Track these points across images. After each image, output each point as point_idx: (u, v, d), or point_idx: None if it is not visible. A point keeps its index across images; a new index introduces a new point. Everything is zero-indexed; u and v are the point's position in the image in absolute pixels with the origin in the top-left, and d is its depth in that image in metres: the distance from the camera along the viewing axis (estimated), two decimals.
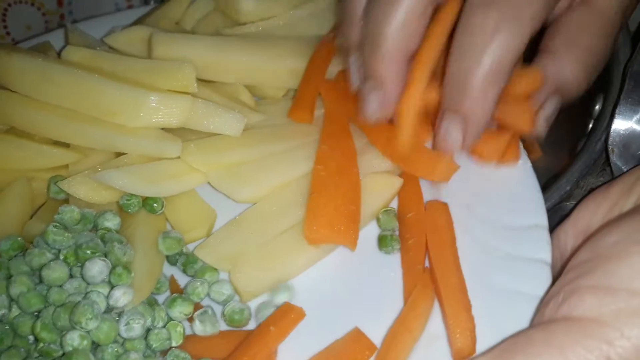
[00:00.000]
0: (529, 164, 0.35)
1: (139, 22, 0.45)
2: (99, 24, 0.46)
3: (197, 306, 0.33)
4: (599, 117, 0.41)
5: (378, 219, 0.36)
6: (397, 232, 0.36)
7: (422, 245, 0.34)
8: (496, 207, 0.35)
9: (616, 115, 0.36)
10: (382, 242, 0.35)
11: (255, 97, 0.41)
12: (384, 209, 0.36)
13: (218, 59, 0.40)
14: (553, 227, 0.33)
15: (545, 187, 0.39)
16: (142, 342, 0.31)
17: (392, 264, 0.34)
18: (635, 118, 0.36)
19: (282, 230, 0.35)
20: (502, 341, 0.27)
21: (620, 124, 0.36)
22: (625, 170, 0.36)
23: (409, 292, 0.33)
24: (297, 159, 0.37)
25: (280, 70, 0.41)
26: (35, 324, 0.31)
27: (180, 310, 0.32)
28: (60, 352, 0.30)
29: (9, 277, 0.32)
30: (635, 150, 0.36)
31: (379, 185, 0.37)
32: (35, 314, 0.31)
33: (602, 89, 0.42)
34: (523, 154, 0.36)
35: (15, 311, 0.31)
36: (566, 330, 0.24)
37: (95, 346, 0.31)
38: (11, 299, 0.32)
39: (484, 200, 0.35)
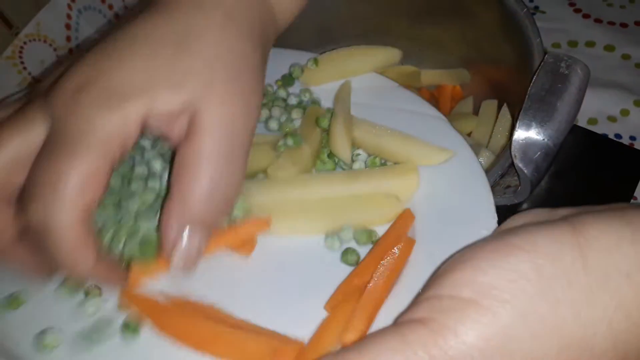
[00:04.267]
0: None
1: None
2: None
3: None
4: None
5: (355, 232, 0.40)
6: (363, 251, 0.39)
7: (371, 268, 0.37)
8: None
9: (517, 127, 0.45)
10: (344, 254, 0.39)
11: None
12: (368, 229, 0.40)
13: None
14: None
15: None
16: None
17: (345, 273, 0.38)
18: (531, 130, 0.44)
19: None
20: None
21: (520, 134, 0.44)
22: (526, 172, 0.45)
23: (334, 300, 0.36)
24: None
25: None
26: None
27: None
28: None
29: None
30: (531, 155, 0.44)
31: (379, 205, 0.41)
32: None
33: None
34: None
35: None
36: (409, 325, 0.28)
37: None
38: None
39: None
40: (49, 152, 0.32)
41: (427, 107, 0.47)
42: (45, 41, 0.63)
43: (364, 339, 0.29)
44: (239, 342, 0.34)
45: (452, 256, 0.31)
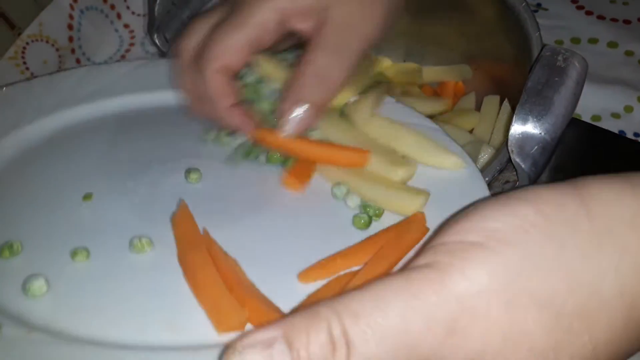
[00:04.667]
0: None
1: None
2: None
3: None
4: None
5: (363, 203, 0.41)
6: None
7: (360, 253, 0.38)
8: None
9: (513, 122, 0.44)
10: (354, 219, 0.40)
11: None
12: (377, 206, 0.41)
13: None
14: None
15: None
16: None
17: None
18: (527, 124, 0.44)
19: None
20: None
21: (517, 129, 0.44)
22: (523, 166, 0.45)
23: (310, 272, 0.37)
24: None
25: None
26: None
27: None
28: None
29: None
30: (528, 150, 0.44)
31: (401, 195, 0.41)
32: None
33: None
34: None
35: None
36: (414, 268, 0.27)
37: None
38: None
39: None
40: (217, 27, 0.44)
41: (423, 119, 0.48)
42: (47, 41, 0.64)
43: (368, 283, 0.28)
44: (220, 302, 0.34)
45: (453, 215, 0.31)
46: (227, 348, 0.25)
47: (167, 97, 0.51)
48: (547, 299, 0.27)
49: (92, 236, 0.39)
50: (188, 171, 0.44)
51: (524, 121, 0.44)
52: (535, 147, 0.44)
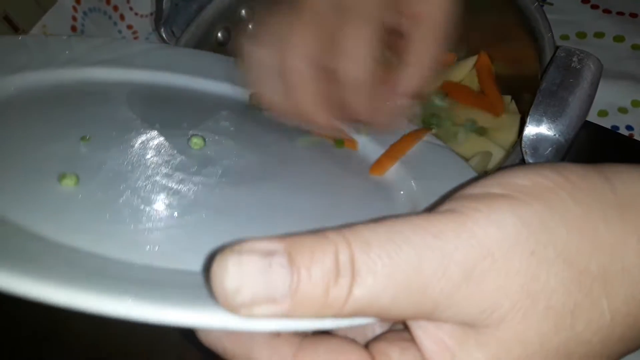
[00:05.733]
0: None
1: None
2: None
3: None
4: None
5: None
6: None
7: None
8: None
9: (527, 123, 0.44)
10: None
11: None
12: None
13: None
14: None
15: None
16: None
17: None
18: (542, 125, 0.44)
19: None
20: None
21: (531, 130, 0.44)
22: None
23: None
24: None
25: None
26: None
27: None
28: None
29: None
30: (542, 151, 0.44)
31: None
32: None
33: None
34: None
35: None
36: (436, 213, 0.26)
37: None
38: None
39: None
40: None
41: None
42: None
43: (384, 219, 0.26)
44: None
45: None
46: (223, 250, 0.23)
47: (185, 80, 0.52)
48: (572, 255, 0.26)
49: (84, 168, 0.38)
50: (191, 137, 0.43)
51: (538, 122, 0.44)
52: (549, 149, 0.44)
